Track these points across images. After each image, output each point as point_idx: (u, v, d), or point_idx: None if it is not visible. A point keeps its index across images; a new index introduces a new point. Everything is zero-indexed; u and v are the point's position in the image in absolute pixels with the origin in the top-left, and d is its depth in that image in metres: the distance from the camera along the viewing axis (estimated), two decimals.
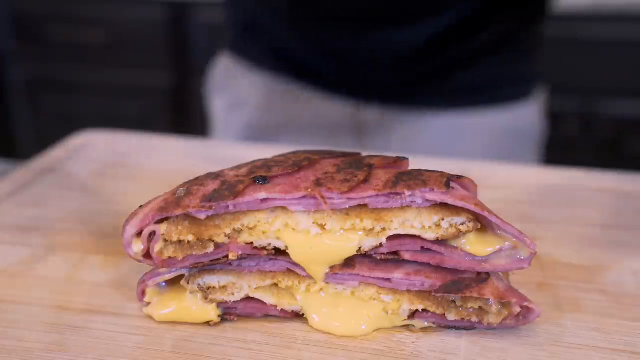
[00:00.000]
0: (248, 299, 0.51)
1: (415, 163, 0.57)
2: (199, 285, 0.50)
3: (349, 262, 0.49)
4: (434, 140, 0.99)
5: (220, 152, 0.84)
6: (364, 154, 0.55)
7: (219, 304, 0.51)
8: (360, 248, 0.48)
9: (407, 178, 0.47)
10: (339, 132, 1.01)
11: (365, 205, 0.48)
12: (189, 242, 0.48)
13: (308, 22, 0.97)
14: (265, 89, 1.04)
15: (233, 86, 1.09)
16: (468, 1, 0.92)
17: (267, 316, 0.52)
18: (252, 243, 0.49)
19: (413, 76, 0.97)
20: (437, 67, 0.96)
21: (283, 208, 0.48)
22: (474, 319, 0.49)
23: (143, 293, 0.51)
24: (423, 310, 0.50)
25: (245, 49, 1.06)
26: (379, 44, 0.95)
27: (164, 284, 0.51)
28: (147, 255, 0.48)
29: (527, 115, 1.02)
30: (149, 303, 0.51)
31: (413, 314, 0.50)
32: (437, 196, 0.46)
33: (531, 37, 1.02)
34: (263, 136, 1.04)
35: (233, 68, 1.08)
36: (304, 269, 0.49)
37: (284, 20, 0.99)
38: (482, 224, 0.48)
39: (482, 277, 0.49)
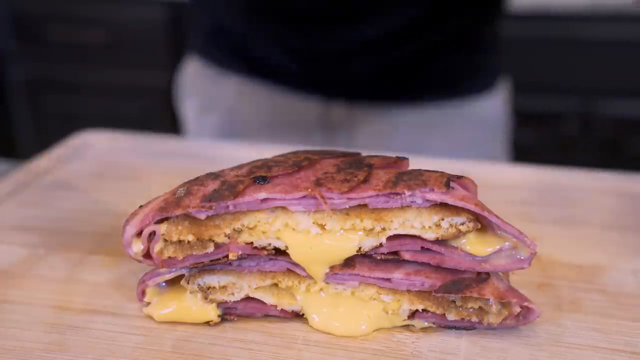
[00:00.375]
0: (248, 299, 0.51)
1: (415, 163, 0.57)
2: (199, 285, 0.50)
3: (349, 262, 0.49)
4: (402, 136, 1.00)
5: (220, 152, 0.84)
6: (364, 153, 0.55)
7: (219, 304, 0.51)
8: (360, 248, 0.48)
9: (407, 178, 0.47)
10: (309, 130, 1.02)
11: (365, 205, 0.48)
12: (189, 242, 0.48)
13: (270, 22, 0.99)
14: (235, 91, 1.05)
15: (202, 90, 1.10)
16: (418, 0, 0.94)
17: (267, 316, 0.52)
18: (252, 243, 0.49)
19: (375, 72, 0.99)
20: (396, 63, 0.98)
21: (283, 208, 0.48)
22: (474, 319, 0.49)
23: (143, 293, 0.51)
24: (423, 310, 0.50)
25: (212, 52, 1.08)
26: (340, 41, 0.96)
27: (164, 284, 0.51)
28: (147, 255, 0.48)
29: (491, 107, 1.04)
30: (149, 303, 0.51)
31: (413, 314, 0.50)
32: (437, 196, 0.46)
33: (488, 33, 1.04)
34: (235, 138, 1.05)
35: (202, 71, 1.09)
36: (304, 269, 0.49)
37: (248, 20, 1.01)
38: (482, 224, 0.48)
39: (482, 277, 0.49)
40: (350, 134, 1.02)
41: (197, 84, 1.11)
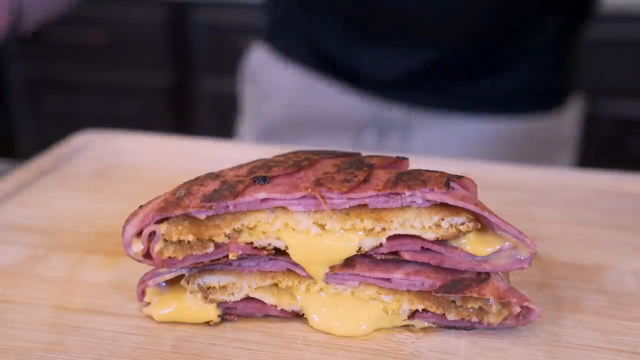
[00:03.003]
0: (248, 299, 0.51)
1: (415, 163, 0.57)
2: (199, 285, 0.50)
3: (349, 262, 0.49)
4: (454, 143, 0.99)
5: (221, 152, 0.84)
6: (364, 153, 0.55)
7: (219, 304, 0.51)
8: (360, 248, 0.48)
9: (407, 178, 0.47)
10: (362, 129, 1.02)
11: (365, 205, 0.48)
12: (189, 242, 0.48)
13: (342, 23, 0.98)
14: (296, 80, 1.05)
15: (265, 78, 1.11)
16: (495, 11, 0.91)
17: (267, 316, 0.52)
18: (252, 243, 0.49)
19: (441, 78, 0.97)
20: (466, 70, 0.97)
21: (283, 208, 0.48)
22: (474, 319, 0.49)
23: (143, 293, 0.51)
24: (423, 310, 0.50)
25: (279, 40, 1.08)
26: (410, 47, 0.95)
27: (164, 284, 0.51)
28: (147, 255, 0.48)
29: (559, 125, 1.01)
30: (149, 303, 0.51)
31: (413, 314, 0.50)
32: (437, 196, 0.46)
33: (569, 45, 1.01)
34: (288, 130, 1.05)
35: (267, 59, 1.10)
36: (304, 269, 0.49)
37: (320, 18, 1.00)
38: (482, 224, 0.48)
39: (482, 277, 0.49)
40: (404, 139, 1.00)
41: (260, 71, 1.12)
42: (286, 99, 1.07)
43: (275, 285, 0.51)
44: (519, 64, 0.97)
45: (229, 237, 0.48)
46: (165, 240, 0.48)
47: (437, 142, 0.99)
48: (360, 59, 0.99)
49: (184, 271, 0.50)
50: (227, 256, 0.49)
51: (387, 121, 1.01)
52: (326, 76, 1.03)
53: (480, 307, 0.49)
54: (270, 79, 1.09)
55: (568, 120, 1.02)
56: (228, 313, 0.51)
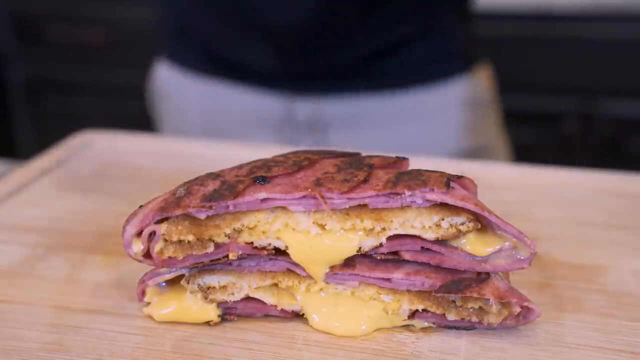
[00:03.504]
0: (248, 299, 0.51)
1: (415, 163, 0.57)
2: (199, 285, 0.50)
3: (349, 262, 0.49)
4: (378, 123, 1.00)
5: (220, 152, 0.84)
6: (364, 154, 0.55)
7: (219, 304, 0.51)
8: (360, 248, 0.48)
9: (407, 178, 0.47)
10: (284, 125, 1.02)
11: (365, 205, 0.48)
12: (189, 242, 0.48)
13: (237, 26, 0.99)
14: (204, 90, 1.06)
15: (175, 94, 1.12)
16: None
17: (267, 316, 0.52)
18: (252, 243, 0.49)
19: (341, 65, 0.99)
20: (360, 55, 0.98)
21: (283, 208, 0.48)
22: (474, 319, 0.49)
23: (143, 293, 0.51)
24: (423, 310, 0.50)
25: (181, 56, 1.09)
26: (305, 40, 0.96)
27: (164, 284, 0.51)
28: (147, 255, 0.48)
29: (471, 87, 1.04)
30: (149, 303, 0.51)
31: (413, 314, 0.50)
32: (437, 196, 0.46)
33: (456, 18, 1.04)
34: (213, 136, 1.05)
35: (171, 75, 1.11)
36: (304, 269, 0.49)
37: (217, 23, 1.01)
38: (482, 224, 0.48)
39: (482, 277, 0.49)
40: (322, 129, 1.02)
41: (169, 89, 1.12)
42: (202, 110, 1.08)
43: (275, 285, 0.51)
44: (417, 40, 0.99)
45: (229, 237, 0.48)
46: (165, 240, 0.48)
47: (358, 127, 1.01)
48: (241, 51, 1.00)
49: (184, 271, 0.50)
50: (227, 256, 0.49)
51: (305, 115, 1.02)
52: (229, 79, 1.04)
53: (480, 307, 0.49)
54: (181, 95, 1.10)
55: (480, 84, 1.05)
56: (228, 313, 0.51)
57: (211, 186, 0.48)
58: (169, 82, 1.12)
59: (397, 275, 0.49)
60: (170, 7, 1.09)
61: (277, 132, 1.03)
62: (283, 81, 1.01)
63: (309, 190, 0.47)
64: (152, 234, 0.48)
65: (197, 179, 0.50)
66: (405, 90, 1.00)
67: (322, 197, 0.47)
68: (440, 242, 0.48)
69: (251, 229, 0.48)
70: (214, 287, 0.51)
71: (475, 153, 1.00)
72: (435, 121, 1.01)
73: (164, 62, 1.13)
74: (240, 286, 0.51)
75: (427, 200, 0.46)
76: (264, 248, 0.49)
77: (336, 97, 1.00)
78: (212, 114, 1.07)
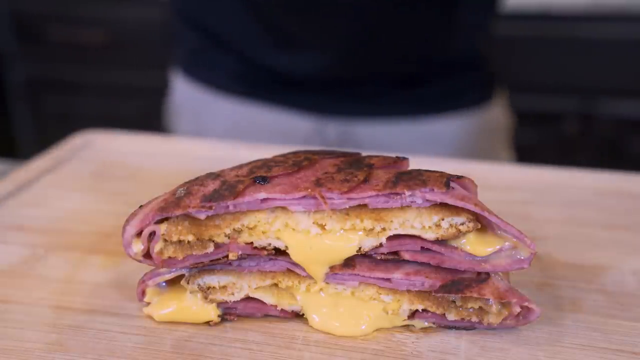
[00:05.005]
0: (248, 299, 0.51)
1: (415, 163, 0.57)
2: (199, 285, 0.50)
3: (349, 262, 0.49)
4: (406, 146, 1.01)
5: (220, 152, 0.84)
6: (364, 153, 0.55)
7: (219, 304, 0.51)
8: (360, 248, 0.48)
9: (407, 178, 0.47)
10: (309, 143, 1.01)
11: (365, 205, 0.47)
12: (189, 242, 0.48)
13: (270, 43, 0.99)
14: (229, 108, 1.05)
15: (196, 113, 1.09)
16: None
17: (267, 316, 0.52)
18: (252, 243, 0.49)
19: (371, 90, 1.00)
20: (393, 80, 1.00)
21: (283, 208, 0.48)
22: (474, 319, 0.49)
23: (143, 293, 0.51)
24: (423, 310, 0.50)
25: (205, 74, 1.06)
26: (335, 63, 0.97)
27: (164, 284, 0.51)
28: (147, 255, 0.48)
29: (492, 115, 1.07)
30: (149, 303, 0.51)
31: (413, 314, 0.50)
32: (437, 196, 0.46)
33: (487, 48, 1.08)
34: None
35: (192, 92, 1.08)
36: (304, 269, 0.49)
37: (251, 37, 1.00)
38: (482, 224, 0.48)
39: (482, 277, 0.48)
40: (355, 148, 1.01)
41: (189, 106, 1.10)
42: (225, 127, 1.06)
43: (275, 285, 0.51)
44: (446, 72, 1.02)
45: (229, 237, 0.48)
46: (165, 240, 0.48)
47: (384, 149, 1.01)
48: (280, 60, 1.00)
49: (184, 271, 0.50)
50: (227, 256, 0.49)
51: (329, 136, 1.02)
52: (257, 96, 1.03)
53: (480, 307, 0.49)
54: (203, 112, 1.08)
55: (497, 112, 1.09)
56: (228, 313, 0.51)
57: (211, 186, 0.48)
58: (191, 100, 1.09)
59: (397, 275, 0.49)
60: (200, 18, 1.05)
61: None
62: (315, 100, 1.01)
63: (309, 190, 0.47)
64: (152, 234, 0.48)
65: (197, 179, 0.50)
66: (436, 116, 1.02)
67: (322, 197, 0.47)
68: (440, 242, 0.48)
69: (251, 229, 0.48)
70: (214, 287, 0.51)
71: None
72: (460, 147, 1.03)
73: (182, 75, 1.10)
74: (240, 286, 0.51)
75: (427, 200, 0.46)
76: (264, 248, 0.49)
77: (367, 119, 1.01)
78: (235, 131, 1.05)
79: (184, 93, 1.10)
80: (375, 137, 1.01)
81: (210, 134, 1.06)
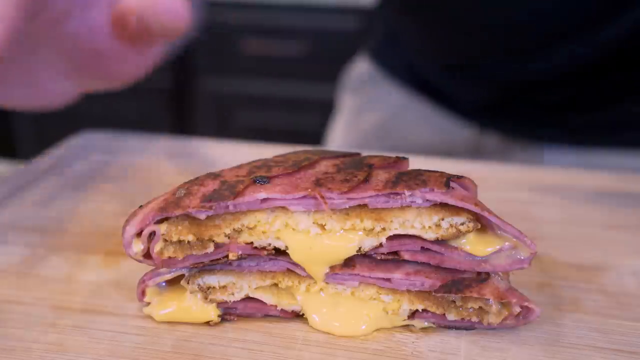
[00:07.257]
0: (248, 299, 0.51)
1: (415, 163, 0.57)
2: (199, 285, 0.50)
3: (349, 262, 0.49)
4: None
5: (221, 152, 0.84)
6: (364, 154, 0.56)
7: (219, 304, 0.51)
8: (360, 248, 0.48)
9: (407, 178, 0.47)
10: (455, 154, 0.97)
11: (365, 205, 0.48)
12: (189, 242, 0.48)
13: (449, 40, 0.95)
14: (396, 98, 1.05)
15: (366, 90, 1.11)
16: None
17: (267, 316, 0.52)
18: (252, 243, 0.49)
19: (545, 107, 0.91)
20: (571, 101, 0.89)
21: (283, 208, 0.48)
22: (474, 319, 0.49)
23: (143, 293, 0.51)
24: (423, 310, 0.50)
25: (384, 57, 1.08)
26: (519, 71, 0.90)
27: (164, 284, 0.51)
28: (147, 255, 0.48)
29: None
30: (149, 303, 0.51)
31: (413, 314, 0.50)
32: (437, 196, 0.46)
33: None
34: (379, 145, 1.04)
35: (370, 73, 1.10)
36: (304, 269, 0.49)
37: (424, 35, 0.99)
38: (482, 224, 0.48)
39: (482, 277, 0.49)
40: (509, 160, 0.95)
41: (362, 83, 1.12)
42: (384, 114, 1.06)
43: (275, 285, 0.51)
44: (628, 96, 0.87)
45: (229, 237, 0.48)
46: (165, 240, 0.48)
47: None
48: (454, 84, 0.97)
49: (184, 271, 0.50)
50: (227, 256, 0.49)
51: (482, 147, 0.96)
52: (424, 97, 1.02)
53: (480, 307, 0.49)
54: (371, 93, 1.10)
55: None
56: (228, 313, 0.51)
57: (211, 186, 0.48)
58: (366, 79, 1.11)
59: (397, 275, 0.49)
60: (383, 11, 1.07)
61: (445, 157, 0.97)
62: (475, 110, 0.97)
63: (309, 190, 0.47)
64: (152, 234, 0.48)
65: (197, 179, 0.50)
66: (597, 150, 0.90)
67: (322, 197, 0.47)
68: (440, 242, 0.48)
69: (251, 229, 0.48)
70: (214, 287, 0.51)
71: None
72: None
73: (366, 59, 1.12)
74: (240, 286, 0.51)
75: (427, 200, 0.46)
76: (264, 248, 0.49)
77: (521, 138, 0.94)
78: (394, 122, 1.04)
79: (363, 71, 1.12)
80: (523, 161, 0.92)
81: (372, 113, 1.07)
